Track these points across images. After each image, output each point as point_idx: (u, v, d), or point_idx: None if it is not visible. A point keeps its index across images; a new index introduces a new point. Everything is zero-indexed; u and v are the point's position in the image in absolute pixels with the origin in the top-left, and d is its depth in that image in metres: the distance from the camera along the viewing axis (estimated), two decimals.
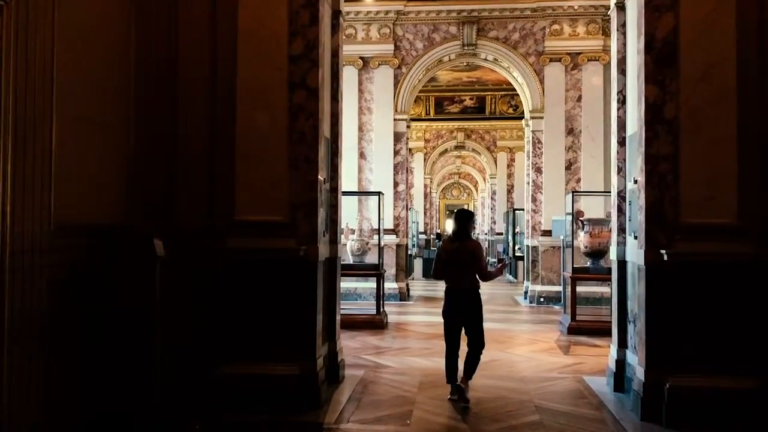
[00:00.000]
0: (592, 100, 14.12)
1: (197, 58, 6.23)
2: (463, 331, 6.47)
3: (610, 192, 13.20)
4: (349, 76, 14.63)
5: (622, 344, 6.93)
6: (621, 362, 6.90)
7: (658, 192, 5.93)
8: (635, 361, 6.36)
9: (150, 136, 6.04)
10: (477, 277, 6.33)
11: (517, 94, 19.30)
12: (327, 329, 6.78)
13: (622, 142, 6.99)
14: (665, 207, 5.92)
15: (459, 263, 6.26)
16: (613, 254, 7.21)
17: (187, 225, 6.09)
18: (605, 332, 10.31)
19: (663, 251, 5.82)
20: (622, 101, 7.02)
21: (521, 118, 18.93)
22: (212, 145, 6.23)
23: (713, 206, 5.77)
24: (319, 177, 6.19)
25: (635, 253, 6.41)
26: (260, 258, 6.07)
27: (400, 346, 9.76)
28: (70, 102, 4.70)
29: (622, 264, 6.99)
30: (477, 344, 6.34)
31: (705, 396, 5.63)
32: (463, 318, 6.34)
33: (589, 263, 11.45)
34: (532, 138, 13.63)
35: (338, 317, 7.09)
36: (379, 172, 14.95)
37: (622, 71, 7.07)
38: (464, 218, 6.38)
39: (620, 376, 6.88)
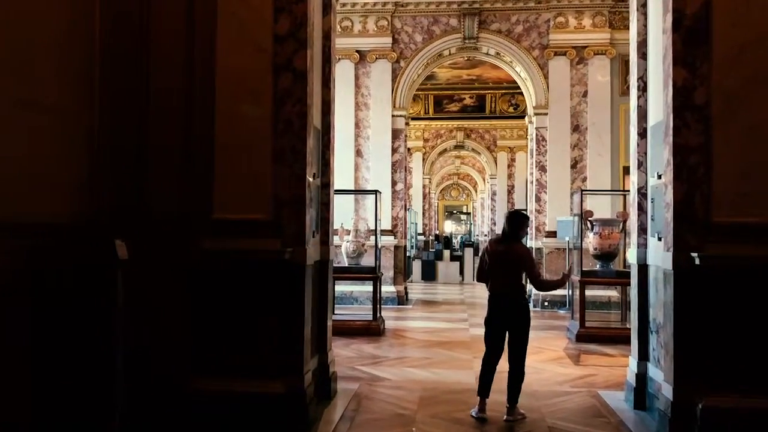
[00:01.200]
0: (599, 95, 13.50)
1: (171, 37, 5.56)
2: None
3: (619, 190, 12.85)
4: (345, 70, 14.01)
5: (643, 356, 6.27)
6: (642, 376, 6.24)
7: (687, 187, 5.27)
8: (660, 376, 5.69)
9: (117, 125, 5.38)
10: (523, 283, 5.91)
11: (519, 93, 18.92)
12: (317, 340, 6.11)
13: (642, 134, 6.34)
14: (696, 204, 5.25)
15: (503, 267, 5.69)
16: (632, 257, 6.54)
17: (158, 224, 5.41)
18: (616, 340, 9.71)
19: (694, 254, 5.16)
20: (643, 88, 6.36)
21: (522, 117, 18.34)
22: (188, 135, 5.56)
23: (751, 203, 5.11)
24: (308, 171, 5.51)
25: (660, 256, 5.74)
26: (241, 260, 5.40)
27: (398, 355, 9.09)
28: (9, 84, 4.03)
29: (642, 268, 6.32)
30: (518, 359, 5.74)
31: (744, 418, 4.96)
32: (505, 327, 5.76)
33: (598, 266, 10.81)
34: (536, 135, 12.98)
35: (329, 325, 6.42)
36: (376, 171, 14.31)
37: (642, 55, 6.41)
38: (517, 220, 5.77)
39: (641, 391, 6.21)
